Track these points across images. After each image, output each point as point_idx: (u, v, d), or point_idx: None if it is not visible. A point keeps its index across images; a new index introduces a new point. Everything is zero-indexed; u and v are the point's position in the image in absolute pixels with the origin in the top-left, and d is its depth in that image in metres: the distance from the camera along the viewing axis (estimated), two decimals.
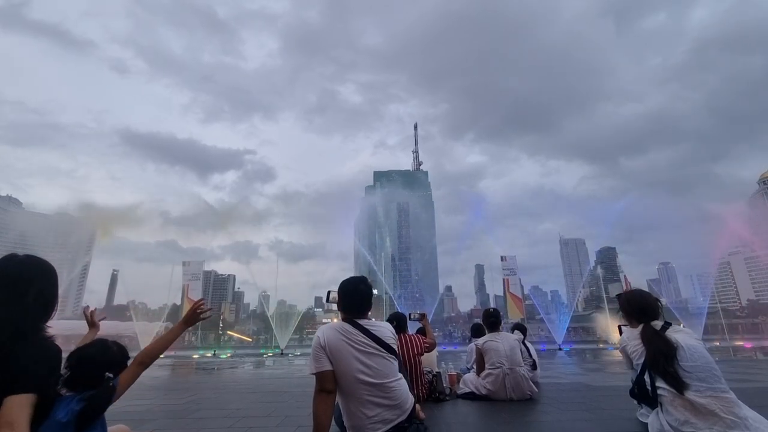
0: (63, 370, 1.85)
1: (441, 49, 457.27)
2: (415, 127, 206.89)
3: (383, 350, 2.59)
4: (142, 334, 37.56)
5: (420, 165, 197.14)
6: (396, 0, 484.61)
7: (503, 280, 42.19)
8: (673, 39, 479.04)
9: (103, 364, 1.95)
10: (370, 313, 2.85)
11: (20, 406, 1.46)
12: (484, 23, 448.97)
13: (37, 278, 1.75)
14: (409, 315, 5.54)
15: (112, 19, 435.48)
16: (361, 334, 2.58)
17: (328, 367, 2.51)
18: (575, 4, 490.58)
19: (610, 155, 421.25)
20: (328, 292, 3.15)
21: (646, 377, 2.84)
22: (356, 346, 2.54)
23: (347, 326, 2.62)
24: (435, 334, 5.46)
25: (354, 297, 2.76)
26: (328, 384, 2.50)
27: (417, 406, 2.77)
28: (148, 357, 2.05)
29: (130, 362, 2.08)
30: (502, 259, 43.38)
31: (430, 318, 5.51)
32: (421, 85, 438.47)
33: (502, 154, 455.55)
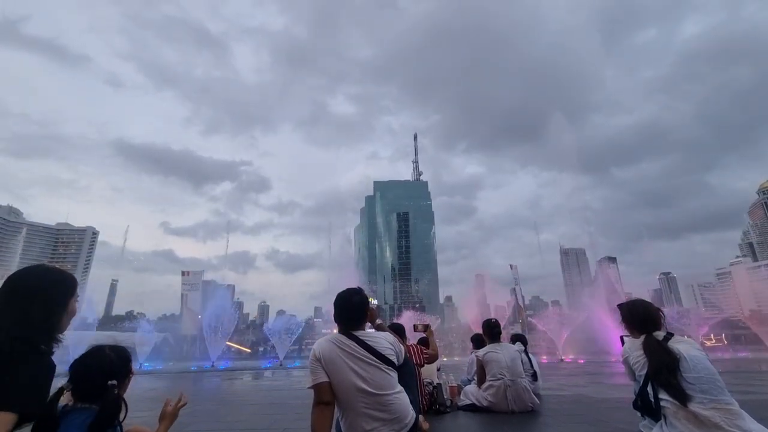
0: (66, 383, 1.84)
1: (429, 62, 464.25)
2: (415, 137, 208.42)
3: (379, 361, 2.56)
4: (140, 344, 37.21)
5: (420, 175, 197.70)
6: (383, 13, 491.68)
7: (512, 289, 42.11)
8: (662, 52, 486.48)
9: (103, 374, 1.92)
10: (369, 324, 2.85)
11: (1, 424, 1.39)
12: (471, 35, 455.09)
13: (46, 290, 1.68)
14: (414, 326, 5.54)
15: (107, 35, 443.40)
16: (356, 345, 2.57)
17: (324, 379, 2.51)
18: (561, 16, 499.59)
19: (602, 166, 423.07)
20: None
21: (649, 389, 2.81)
22: (351, 356, 2.53)
23: (342, 337, 2.62)
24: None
25: (347, 309, 2.76)
26: (326, 396, 2.49)
27: (420, 417, 2.73)
28: None
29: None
30: (511, 267, 43.26)
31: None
32: (412, 96, 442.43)
33: (499, 166, 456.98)
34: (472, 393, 5.56)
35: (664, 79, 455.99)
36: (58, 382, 1.75)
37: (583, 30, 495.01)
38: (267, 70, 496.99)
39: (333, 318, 2.82)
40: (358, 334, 2.64)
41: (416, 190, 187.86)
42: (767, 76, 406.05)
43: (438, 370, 6.33)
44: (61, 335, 1.71)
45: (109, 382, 1.91)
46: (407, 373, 2.78)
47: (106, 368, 1.94)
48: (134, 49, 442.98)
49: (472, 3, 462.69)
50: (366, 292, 2.95)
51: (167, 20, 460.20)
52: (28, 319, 1.59)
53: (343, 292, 2.84)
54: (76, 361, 1.95)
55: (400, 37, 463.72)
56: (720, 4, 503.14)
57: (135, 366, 2.33)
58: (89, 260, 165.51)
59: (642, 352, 2.89)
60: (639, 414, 2.98)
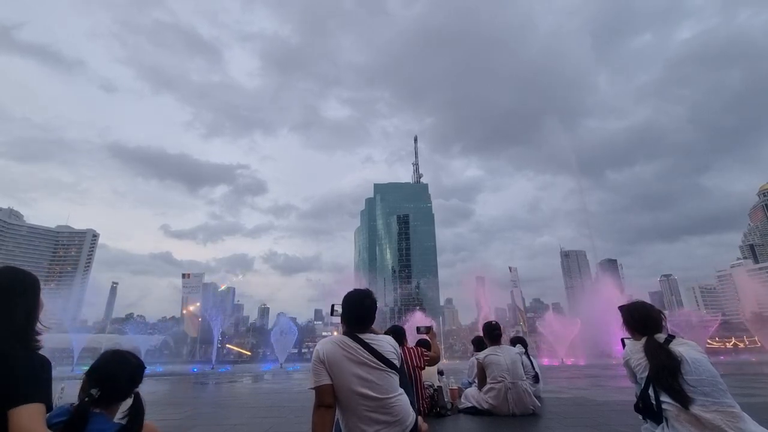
0: (94, 390, 1.82)
1: (422, 66, 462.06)
2: (415, 139, 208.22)
3: (383, 365, 2.53)
4: (140, 347, 37.19)
5: (420, 177, 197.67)
6: (373, 19, 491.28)
7: (511, 292, 42.11)
8: (657, 57, 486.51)
9: (128, 380, 1.94)
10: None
11: (38, 415, 1.43)
12: (463, 39, 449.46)
13: (26, 290, 1.75)
14: (417, 328, 5.54)
15: (102, 41, 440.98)
16: (361, 348, 2.54)
17: (327, 381, 2.47)
18: (555, 21, 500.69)
19: (597, 169, 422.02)
20: (332, 306, 3.12)
21: (651, 391, 2.79)
22: (356, 359, 2.50)
23: (347, 340, 2.58)
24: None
25: (358, 311, 2.72)
26: (328, 398, 2.46)
27: (419, 419, 2.71)
28: None
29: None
30: (510, 270, 43.27)
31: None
32: (406, 100, 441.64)
33: (495, 169, 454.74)
34: (472, 396, 5.54)
35: (657, 82, 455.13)
36: (58, 383, 1.75)
37: (577, 34, 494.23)
38: (263, 75, 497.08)
39: (340, 319, 2.78)
40: (363, 336, 2.62)
41: (417, 192, 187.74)
42: (760, 80, 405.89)
43: (442, 374, 6.31)
44: (40, 327, 1.76)
45: (135, 389, 1.94)
46: (402, 375, 2.77)
47: (130, 373, 1.96)
48: (130, 54, 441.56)
49: (464, 7, 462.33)
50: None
51: (159, 25, 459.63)
52: (13, 318, 1.65)
53: (354, 292, 2.79)
54: (100, 366, 1.94)
55: (392, 42, 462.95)
56: (715, 10, 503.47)
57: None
58: (89, 263, 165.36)
59: (643, 354, 2.88)
60: (641, 417, 2.96)
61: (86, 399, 1.79)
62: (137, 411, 1.90)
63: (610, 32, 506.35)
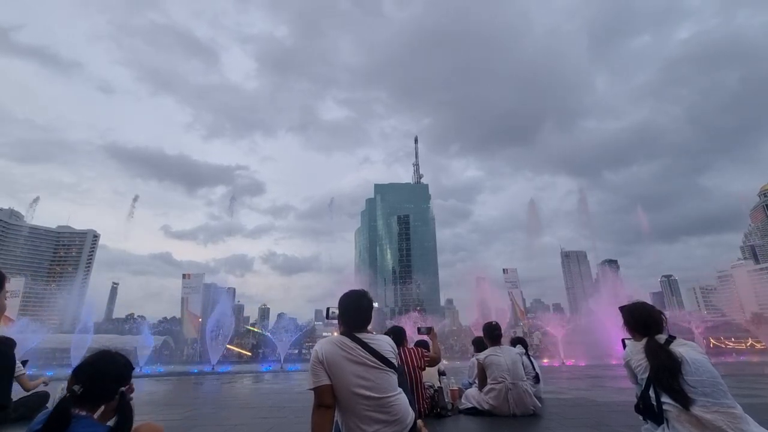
0: (76, 387, 1.79)
1: (418, 66, 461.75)
2: (416, 140, 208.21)
3: (382, 364, 2.54)
4: (140, 347, 37.15)
5: (420, 178, 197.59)
6: (368, 20, 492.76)
7: (509, 292, 42.02)
8: (656, 58, 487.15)
9: (116, 379, 1.91)
10: (369, 327, 2.83)
11: None
12: (460, 39, 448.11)
13: None
14: (418, 329, 5.54)
15: (101, 43, 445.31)
16: (360, 348, 2.55)
17: (326, 381, 2.48)
18: (554, 21, 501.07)
19: (595, 169, 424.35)
20: (328, 309, 3.14)
21: (651, 392, 2.79)
22: (354, 359, 2.51)
23: (346, 340, 2.59)
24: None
25: (355, 311, 2.73)
26: (327, 399, 2.46)
27: (419, 422, 2.71)
28: None
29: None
30: (505, 271, 43.24)
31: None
32: (402, 101, 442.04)
33: (494, 169, 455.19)
34: (473, 396, 5.54)
35: (656, 83, 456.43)
36: (57, 384, 1.74)
37: (575, 35, 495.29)
38: (260, 76, 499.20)
39: (338, 320, 2.79)
40: (361, 336, 2.62)
41: (417, 192, 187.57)
42: (758, 80, 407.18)
43: (444, 374, 6.30)
44: None
45: (121, 388, 1.90)
46: (400, 375, 2.77)
47: (119, 374, 1.93)
48: (128, 56, 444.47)
49: (461, 7, 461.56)
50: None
51: (159, 28, 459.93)
52: None
53: (350, 293, 2.81)
54: (87, 364, 1.91)
55: (388, 43, 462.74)
56: (713, 11, 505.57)
57: (135, 370, 2.26)
58: (90, 263, 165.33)
59: (644, 355, 2.88)
60: (641, 417, 2.96)
61: (67, 395, 1.75)
62: (125, 411, 1.86)
63: (609, 33, 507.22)
